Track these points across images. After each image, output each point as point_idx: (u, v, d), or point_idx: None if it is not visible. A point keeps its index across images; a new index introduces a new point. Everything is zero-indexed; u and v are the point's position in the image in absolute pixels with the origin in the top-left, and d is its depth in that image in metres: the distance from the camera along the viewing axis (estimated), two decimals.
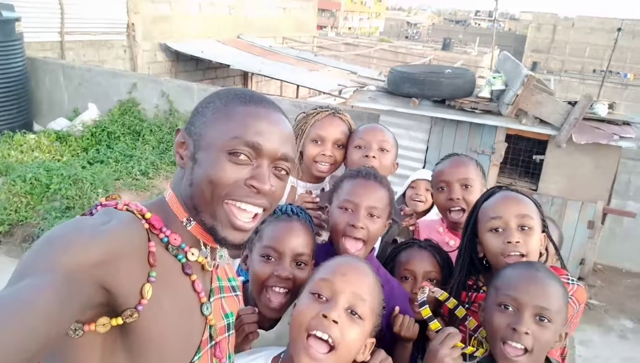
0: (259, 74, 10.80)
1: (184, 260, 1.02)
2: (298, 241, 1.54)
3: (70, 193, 5.86)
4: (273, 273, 1.49)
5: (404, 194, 3.07)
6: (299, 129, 2.17)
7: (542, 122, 5.41)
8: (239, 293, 1.28)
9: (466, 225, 1.74)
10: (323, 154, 2.12)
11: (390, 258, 1.87)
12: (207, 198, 0.99)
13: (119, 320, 0.89)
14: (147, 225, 0.96)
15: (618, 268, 6.11)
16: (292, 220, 1.57)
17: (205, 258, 1.07)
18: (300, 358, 1.19)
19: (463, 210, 2.00)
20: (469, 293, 1.71)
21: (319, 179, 2.24)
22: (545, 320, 1.35)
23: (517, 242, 1.55)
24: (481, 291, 1.69)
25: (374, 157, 2.03)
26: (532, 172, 5.83)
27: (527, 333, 1.33)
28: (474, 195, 1.94)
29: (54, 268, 0.79)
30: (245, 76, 13.06)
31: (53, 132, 7.73)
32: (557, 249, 1.77)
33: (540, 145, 5.67)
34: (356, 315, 1.24)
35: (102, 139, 7.70)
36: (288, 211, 1.62)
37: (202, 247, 1.07)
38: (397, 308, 1.59)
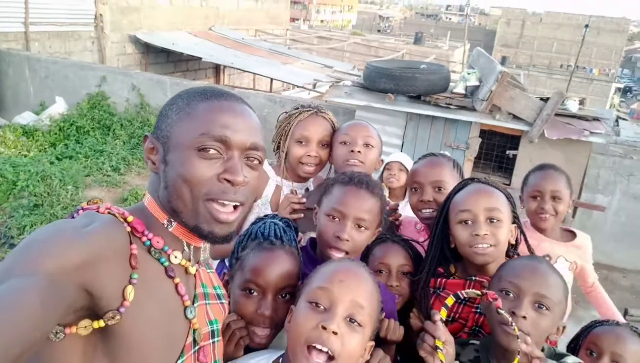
0: (232, 67, 10.67)
1: (166, 263, 1.01)
2: (282, 273, 1.41)
3: (39, 190, 5.68)
4: (257, 311, 1.39)
5: (381, 177, 3.42)
6: (282, 130, 2.14)
7: (515, 117, 5.50)
8: (225, 301, 1.26)
9: (438, 216, 1.77)
10: (309, 155, 2.10)
11: (364, 254, 1.86)
12: (186, 198, 0.99)
13: (101, 323, 0.88)
14: (129, 228, 0.96)
15: None
16: (274, 250, 1.45)
17: (189, 260, 1.07)
18: None
19: (434, 211, 2.00)
20: (438, 280, 1.73)
21: (304, 179, 2.22)
22: (544, 308, 1.39)
23: (485, 234, 1.58)
24: (452, 278, 1.73)
25: (359, 152, 2.01)
26: (505, 166, 5.93)
27: (524, 317, 1.36)
28: None
29: (36, 271, 0.78)
30: (217, 69, 12.89)
31: (19, 127, 7.48)
32: (526, 240, 1.80)
33: (513, 140, 5.76)
34: (355, 323, 1.21)
35: (70, 134, 7.48)
36: (271, 236, 1.50)
37: (185, 247, 1.06)
38: (382, 314, 1.59)
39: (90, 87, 8.00)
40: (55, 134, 7.44)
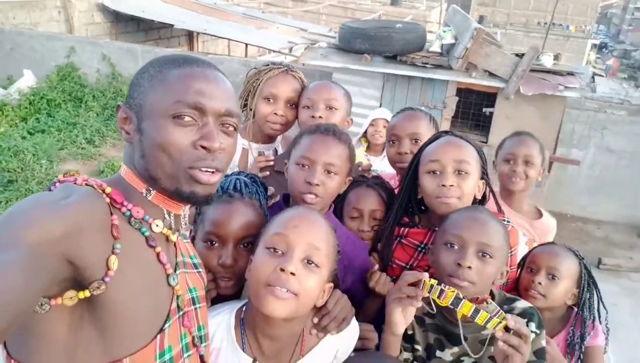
0: (205, 33, 10.42)
1: (147, 233, 1.02)
2: (241, 224, 1.45)
3: (12, 166, 5.57)
4: (218, 262, 1.43)
5: (365, 133, 3.62)
6: (250, 85, 2.09)
7: (491, 75, 5.50)
8: (202, 270, 1.27)
9: (409, 166, 1.79)
10: (275, 113, 2.07)
11: (340, 198, 1.87)
12: (166, 165, 0.99)
13: (86, 293, 0.89)
14: (108, 199, 0.95)
15: (563, 213, 6.41)
16: (233, 201, 1.48)
17: (170, 228, 1.07)
18: (265, 303, 1.21)
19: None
20: (401, 229, 1.77)
21: (271, 139, 2.19)
22: (487, 256, 1.45)
23: (451, 185, 1.61)
24: (416, 228, 1.77)
25: (320, 117, 1.99)
26: (482, 125, 5.96)
27: (470, 267, 1.43)
28: None
29: (17, 244, 0.77)
30: (190, 36, 12.56)
31: None
32: (494, 196, 1.84)
33: (489, 98, 5.78)
34: (313, 264, 1.26)
35: (41, 108, 7.29)
36: (230, 189, 1.52)
37: (166, 215, 1.07)
38: (376, 266, 1.66)
39: (59, 59, 7.76)
40: (26, 108, 7.25)
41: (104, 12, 10.50)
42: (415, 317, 1.48)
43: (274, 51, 9.61)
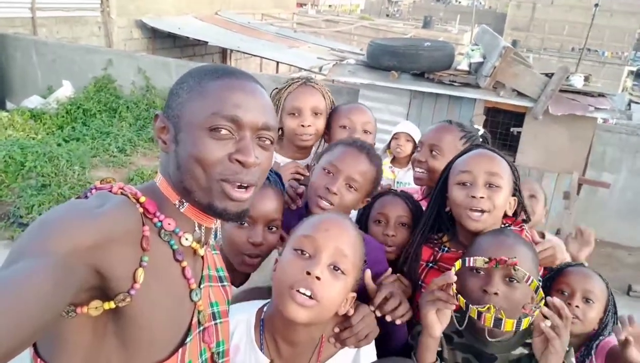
0: (238, 51, 10.65)
1: (176, 246, 1.01)
2: (271, 207, 1.54)
3: (46, 171, 5.76)
4: (247, 240, 1.50)
5: (388, 145, 3.67)
6: (274, 105, 2.14)
7: (520, 94, 5.46)
8: (227, 284, 1.26)
9: (439, 178, 1.76)
10: (302, 125, 2.10)
11: (366, 208, 1.88)
12: (200, 178, 0.98)
13: (112, 304, 0.89)
14: (141, 209, 0.95)
15: None
16: (264, 187, 1.52)
17: (199, 242, 1.07)
18: (287, 307, 1.20)
19: (426, 173, 2.01)
20: (435, 251, 1.72)
21: (303, 154, 2.22)
22: (515, 281, 1.37)
23: (482, 197, 1.56)
24: (445, 249, 1.71)
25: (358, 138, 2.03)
26: (510, 144, 5.90)
27: (496, 293, 1.36)
28: (441, 163, 1.92)
29: (48, 252, 0.78)
30: (224, 53, 12.87)
31: (27, 110, 7.56)
32: (526, 213, 1.78)
33: (517, 117, 5.72)
34: (339, 271, 1.24)
35: (77, 117, 7.55)
36: None
37: (197, 228, 1.06)
38: (389, 271, 1.62)
39: (97, 71, 8.05)
40: (63, 116, 7.52)
41: (142, 29, 10.89)
42: (444, 334, 1.44)
43: (304, 69, 9.77)
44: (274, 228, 1.56)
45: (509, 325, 1.26)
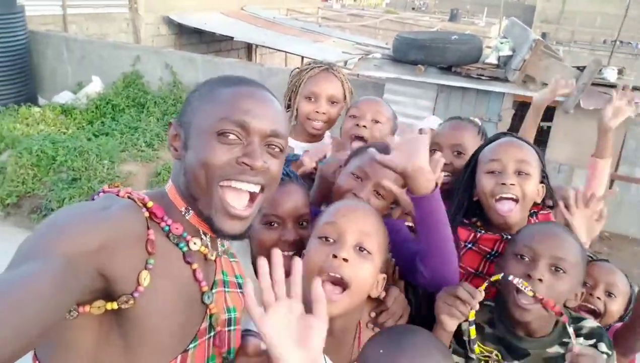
0: (263, 46, 10.68)
1: (185, 249, 1.02)
2: (298, 203, 1.52)
3: (77, 165, 5.88)
4: (280, 239, 1.48)
5: None
6: (292, 85, 2.13)
7: None
8: None
9: (466, 166, 1.74)
10: (317, 111, 2.09)
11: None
12: (202, 183, 0.98)
13: (114, 305, 0.89)
14: (147, 213, 0.96)
15: (624, 235, 6.07)
16: (286, 183, 1.53)
17: (207, 247, 1.07)
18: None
19: (450, 175, 1.93)
20: (472, 233, 1.69)
21: (314, 138, 2.21)
22: (561, 271, 1.35)
23: (512, 184, 1.54)
24: (481, 231, 1.68)
25: (364, 126, 1.98)
26: (539, 139, 5.77)
27: (540, 280, 1.33)
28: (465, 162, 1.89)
29: (54, 254, 0.79)
30: (249, 48, 12.93)
31: (58, 106, 7.71)
32: (554, 199, 1.74)
33: (547, 112, 5.59)
34: (365, 251, 1.26)
35: (106, 112, 7.68)
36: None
37: (202, 235, 1.06)
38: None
39: (125, 67, 8.17)
40: (92, 112, 7.65)
41: (169, 25, 11.00)
42: (475, 323, 1.42)
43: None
44: (305, 224, 1.53)
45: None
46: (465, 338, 1.43)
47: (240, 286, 1.22)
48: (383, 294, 1.37)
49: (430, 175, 1.34)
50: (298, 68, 2.19)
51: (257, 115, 1.00)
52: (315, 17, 15.49)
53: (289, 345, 0.93)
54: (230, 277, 1.19)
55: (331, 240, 1.26)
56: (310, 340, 0.95)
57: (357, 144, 1.97)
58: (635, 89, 5.36)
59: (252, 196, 1.03)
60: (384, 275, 1.34)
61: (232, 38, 10.42)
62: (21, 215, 5.55)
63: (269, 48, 10.90)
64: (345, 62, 8.47)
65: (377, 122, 2.02)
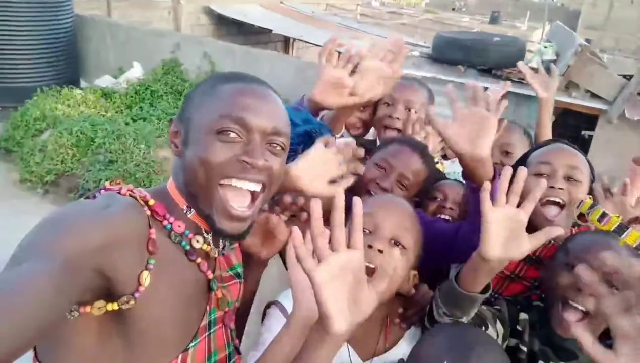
0: (301, 40, 10.69)
1: (187, 247, 1.01)
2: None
3: (114, 148, 6.01)
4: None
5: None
6: None
7: (593, 96, 5.20)
8: (243, 280, 1.26)
9: (513, 168, 1.69)
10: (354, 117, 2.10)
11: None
12: (202, 181, 0.97)
13: (115, 306, 0.89)
14: (148, 212, 0.96)
15: None
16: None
17: (209, 245, 1.06)
18: None
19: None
20: None
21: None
22: (613, 288, 1.29)
23: (561, 188, 1.50)
24: None
25: (397, 118, 1.97)
26: (580, 148, 5.63)
27: (591, 295, 1.28)
28: (513, 162, 1.86)
29: (54, 253, 0.78)
30: (286, 42, 12.97)
31: (99, 89, 7.89)
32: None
33: (589, 120, 5.45)
34: (400, 245, 1.27)
35: (145, 97, 7.81)
36: None
37: (204, 234, 1.05)
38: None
39: (165, 54, 8.29)
40: (132, 96, 7.80)
41: (209, 15, 11.13)
42: (529, 322, 1.39)
43: None
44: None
45: (632, 238, 1.20)
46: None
47: (238, 275, 1.22)
48: (413, 291, 1.37)
49: (489, 166, 1.28)
50: None
51: (258, 113, 0.99)
52: (354, 13, 15.42)
53: (343, 306, 0.88)
54: (224, 273, 1.18)
55: (367, 232, 1.27)
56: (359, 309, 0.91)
57: (390, 134, 1.99)
58: None
59: (254, 195, 1.02)
60: (415, 272, 1.35)
61: (270, 31, 10.46)
62: (59, 194, 5.71)
63: (307, 42, 10.91)
64: None
65: (409, 109, 2.00)
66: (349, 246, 0.90)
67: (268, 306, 1.40)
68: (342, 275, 0.88)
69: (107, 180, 4.84)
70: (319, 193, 1.22)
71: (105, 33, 8.67)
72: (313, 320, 0.97)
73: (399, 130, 2.00)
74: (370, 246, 1.23)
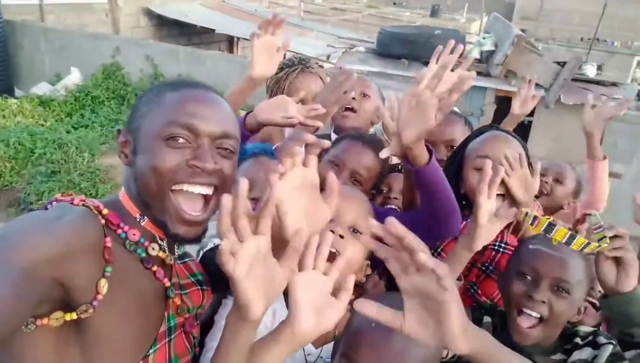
0: (245, 39, 10.59)
1: (143, 254, 1.01)
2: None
3: (56, 158, 5.78)
4: None
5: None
6: (274, 95, 2.07)
7: None
8: (206, 287, 1.24)
9: (452, 159, 1.73)
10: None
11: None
12: (153, 189, 0.98)
13: (73, 315, 0.88)
14: (103, 221, 0.95)
15: None
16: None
17: (164, 252, 1.06)
18: None
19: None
20: (464, 223, 1.64)
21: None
22: (563, 292, 1.33)
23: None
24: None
25: (353, 98, 2.02)
26: (520, 133, 5.86)
27: (543, 302, 1.32)
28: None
29: (8, 265, 0.77)
30: (231, 41, 12.82)
31: (35, 97, 7.57)
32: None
33: None
34: (359, 233, 1.34)
35: (86, 104, 7.56)
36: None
37: (159, 241, 1.05)
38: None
39: (105, 58, 8.03)
40: (71, 103, 7.53)
41: (149, 16, 10.83)
42: (492, 326, 1.45)
43: (312, 58, 9.68)
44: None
45: (560, 234, 1.26)
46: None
47: (199, 282, 1.22)
48: (363, 280, 1.42)
49: (423, 150, 1.31)
50: (276, 74, 2.07)
51: (205, 118, 1.00)
52: (298, 10, 15.42)
53: (260, 292, 0.90)
54: (184, 280, 1.18)
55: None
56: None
57: (347, 115, 2.03)
58: (613, 85, 5.48)
59: (207, 199, 1.02)
60: (368, 262, 1.40)
61: (213, 30, 10.32)
62: None
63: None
64: (328, 56, 8.46)
65: (365, 95, 2.07)
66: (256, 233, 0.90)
67: (224, 296, 1.41)
68: (255, 264, 0.89)
69: (50, 192, 4.61)
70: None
71: (39, 39, 8.30)
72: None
73: (353, 110, 2.05)
74: (332, 231, 1.26)
